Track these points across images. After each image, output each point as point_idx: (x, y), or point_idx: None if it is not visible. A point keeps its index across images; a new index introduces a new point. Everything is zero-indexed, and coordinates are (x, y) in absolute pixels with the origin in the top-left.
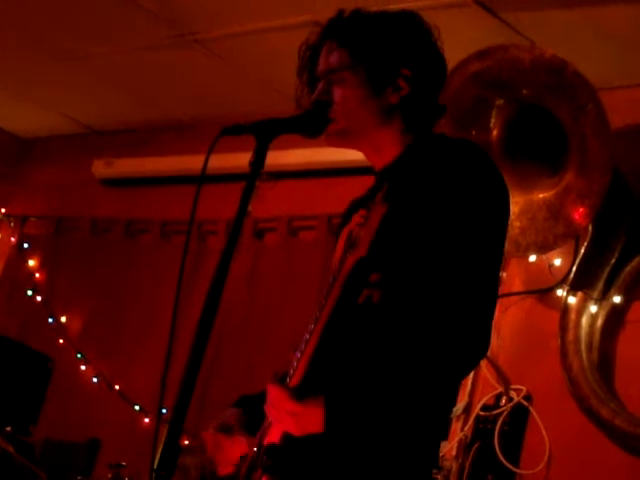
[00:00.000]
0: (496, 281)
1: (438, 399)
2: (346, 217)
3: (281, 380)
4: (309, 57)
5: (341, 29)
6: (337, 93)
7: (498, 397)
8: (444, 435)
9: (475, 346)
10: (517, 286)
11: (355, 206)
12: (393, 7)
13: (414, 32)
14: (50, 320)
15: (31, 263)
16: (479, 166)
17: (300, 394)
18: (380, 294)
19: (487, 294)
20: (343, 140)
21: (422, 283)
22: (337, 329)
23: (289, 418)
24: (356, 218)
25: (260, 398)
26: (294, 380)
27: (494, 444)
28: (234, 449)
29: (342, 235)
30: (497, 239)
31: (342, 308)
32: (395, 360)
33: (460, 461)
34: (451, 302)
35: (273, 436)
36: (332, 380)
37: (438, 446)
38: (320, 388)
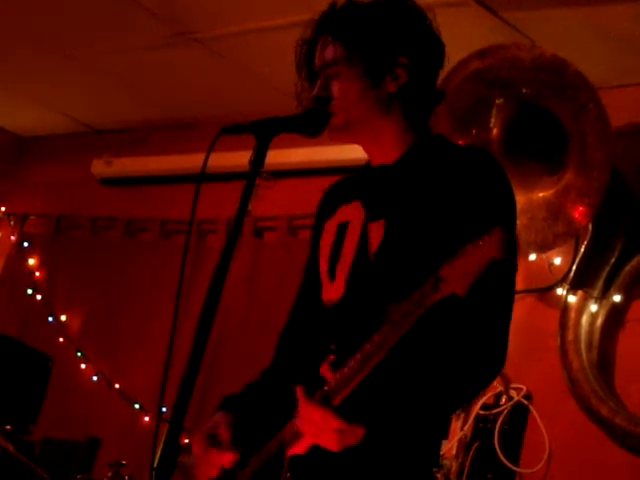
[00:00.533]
0: (514, 296)
1: (450, 410)
2: (328, 208)
3: (324, 399)
4: (306, 52)
5: (334, 22)
6: (335, 87)
7: (498, 396)
8: (444, 434)
9: (496, 364)
10: (517, 285)
11: (336, 196)
12: None
13: (408, 18)
14: (50, 319)
15: (31, 262)
16: (493, 173)
17: (344, 412)
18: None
19: (509, 310)
20: (345, 133)
21: (458, 310)
22: (390, 359)
23: (333, 435)
24: (347, 211)
25: (247, 399)
26: (338, 399)
27: (494, 443)
28: (219, 461)
29: (328, 228)
30: (516, 251)
31: (413, 341)
32: (427, 383)
33: (460, 460)
34: (480, 325)
35: (299, 448)
36: (371, 402)
37: (439, 445)
38: (361, 409)
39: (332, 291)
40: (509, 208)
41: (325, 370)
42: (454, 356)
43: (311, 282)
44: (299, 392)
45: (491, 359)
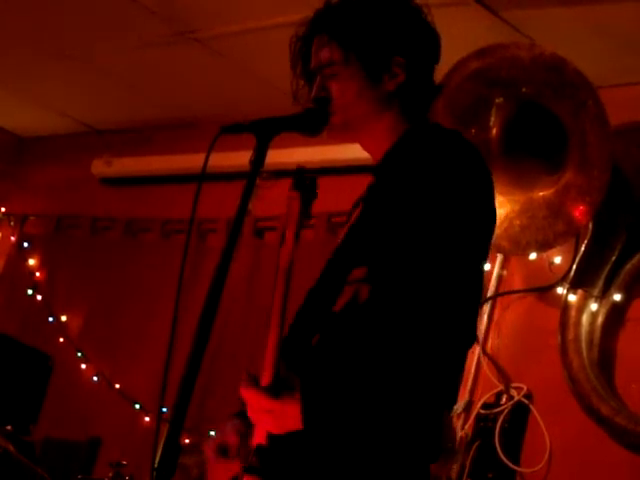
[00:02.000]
0: (477, 271)
1: (427, 393)
2: (349, 214)
3: (253, 381)
4: (300, 49)
5: (330, 20)
6: (333, 88)
7: (498, 395)
8: (436, 433)
9: (457, 337)
10: (517, 284)
11: (356, 202)
12: None
13: (404, 15)
14: (50, 319)
15: (31, 262)
16: (457, 155)
17: (274, 392)
18: (367, 289)
19: (466, 284)
20: (344, 132)
21: (401, 277)
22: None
23: (267, 417)
24: (355, 215)
25: None
26: (264, 380)
27: (495, 442)
28: (229, 470)
29: (342, 232)
30: (475, 229)
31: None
32: (372, 354)
33: (461, 459)
34: (429, 295)
35: (259, 437)
36: (305, 374)
37: (435, 441)
38: (289, 384)
39: None
40: (416, 171)
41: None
42: (382, 323)
43: None
44: (242, 380)
45: (415, 324)
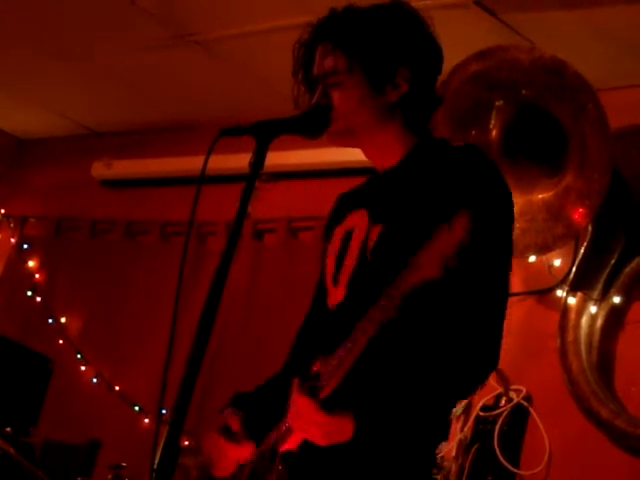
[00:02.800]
0: (507, 291)
1: (444, 406)
2: (338, 215)
3: (311, 391)
4: (303, 56)
5: (334, 29)
6: (336, 97)
7: (498, 398)
8: (444, 436)
9: (488, 358)
10: (517, 287)
11: (346, 203)
12: None
13: (409, 27)
14: (50, 321)
15: (31, 264)
16: (486, 172)
17: (329, 406)
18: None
19: (499, 306)
20: (345, 140)
21: (437, 298)
22: (378, 348)
23: (317, 429)
24: (354, 219)
25: (256, 397)
26: (325, 391)
27: (494, 445)
28: (236, 455)
29: (336, 234)
30: (508, 246)
31: (390, 327)
32: (417, 375)
33: (460, 462)
34: (465, 315)
35: (291, 443)
36: (359, 393)
37: (436, 447)
38: (349, 401)
39: (336, 295)
40: (485, 195)
41: (317, 365)
42: (439, 345)
43: (321, 288)
44: (294, 383)
45: (479, 347)
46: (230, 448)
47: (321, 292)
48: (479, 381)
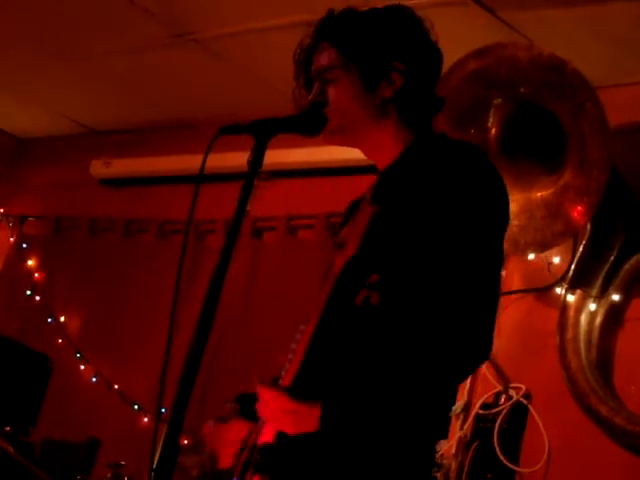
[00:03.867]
0: (497, 283)
1: (437, 399)
2: (346, 218)
3: (273, 382)
4: (304, 59)
5: (331, 28)
6: (330, 92)
7: (497, 395)
8: (443, 434)
9: (476, 348)
10: (516, 285)
11: (354, 206)
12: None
13: (404, 24)
14: (49, 320)
15: (30, 263)
16: (478, 168)
17: (294, 393)
18: (379, 295)
19: (488, 296)
20: (340, 138)
21: (422, 285)
22: (331, 330)
23: (285, 416)
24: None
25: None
26: (286, 380)
27: (493, 443)
28: (233, 434)
29: (344, 233)
30: (497, 241)
31: (335, 308)
32: (393, 362)
33: (459, 460)
34: (451, 304)
35: (266, 436)
36: (326, 380)
37: (435, 445)
38: (313, 388)
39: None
40: (477, 192)
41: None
42: (412, 334)
43: None
44: (253, 378)
45: (457, 334)
46: (225, 429)
47: None
48: (463, 370)
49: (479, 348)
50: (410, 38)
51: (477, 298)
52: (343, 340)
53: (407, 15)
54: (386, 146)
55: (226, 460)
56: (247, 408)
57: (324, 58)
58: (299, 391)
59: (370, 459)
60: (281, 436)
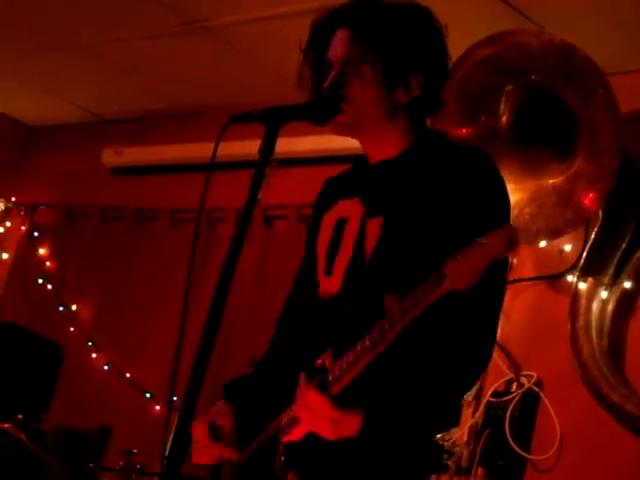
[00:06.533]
0: (504, 292)
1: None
2: (326, 201)
3: (322, 386)
4: (320, 36)
5: (357, 18)
6: (353, 87)
7: (509, 383)
8: (455, 422)
9: (486, 360)
10: (527, 272)
11: (336, 189)
12: None
13: (429, 33)
14: (61, 308)
15: (41, 251)
16: (486, 176)
17: (341, 402)
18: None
19: (499, 309)
20: (348, 131)
21: (456, 306)
22: (393, 349)
23: (327, 424)
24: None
25: (247, 388)
26: (336, 388)
27: (505, 430)
28: (220, 454)
29: (326, 221)
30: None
31: (410, 333)
32: (426, 378)
33: (471, 447)
34: (474, 323)
35: (295, 435)
36: (371, 392)
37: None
38: (361, 399)
39: (329, 285)
40: (507, 207)
41: (325, 360)
42: (451, 350)
43: (307, 274)
44: (301, 377)
45: (484, 353)
46: (216, 447)
47: (306, 280)
48: (476, 378)
49: (487, 359)
50: (433, 49)
51: (490, 314)
52: (390, 356)
53: (431, 20)
54: (388, 144)
55: (199, 460)
56: (238, 403)
57: (347, 49)
58: (346, 399)
59: (378, 457)
60: (310, 437)
